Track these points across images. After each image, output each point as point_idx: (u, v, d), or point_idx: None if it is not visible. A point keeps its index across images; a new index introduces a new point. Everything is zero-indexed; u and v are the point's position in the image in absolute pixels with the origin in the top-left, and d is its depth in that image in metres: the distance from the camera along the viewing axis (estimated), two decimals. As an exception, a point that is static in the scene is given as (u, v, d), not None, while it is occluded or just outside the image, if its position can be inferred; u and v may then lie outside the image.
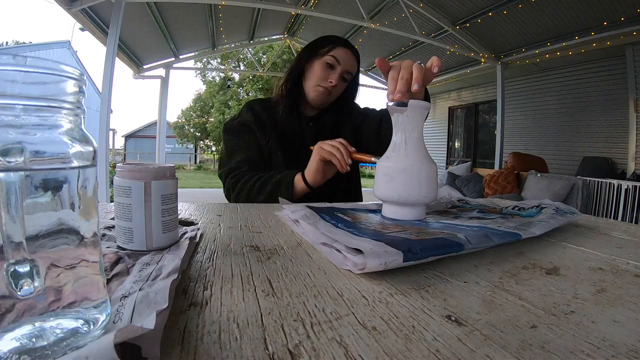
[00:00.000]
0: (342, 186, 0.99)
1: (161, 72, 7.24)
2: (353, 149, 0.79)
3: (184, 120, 17.20)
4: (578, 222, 0.63)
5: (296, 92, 1.00)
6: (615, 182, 3.90)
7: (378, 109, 1.07)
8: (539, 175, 4.41)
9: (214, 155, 19.33)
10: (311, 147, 0.85)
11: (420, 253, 0.34)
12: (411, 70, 0.57)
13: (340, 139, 0.79)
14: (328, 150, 0.77)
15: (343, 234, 0.41)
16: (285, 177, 0.85)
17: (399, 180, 0.54)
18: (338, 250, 0.37)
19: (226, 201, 0.93)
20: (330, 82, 0.94)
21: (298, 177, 0.84)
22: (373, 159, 0.73)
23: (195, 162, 20.13)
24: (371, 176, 13.77)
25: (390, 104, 0.57)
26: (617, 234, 0.55)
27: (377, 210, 0.61)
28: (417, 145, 0.56)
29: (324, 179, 0.82)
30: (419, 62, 0.58)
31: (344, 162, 0.75)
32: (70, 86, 0.20)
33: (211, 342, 0.21)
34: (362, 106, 1.12)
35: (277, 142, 0.97)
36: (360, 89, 1.12)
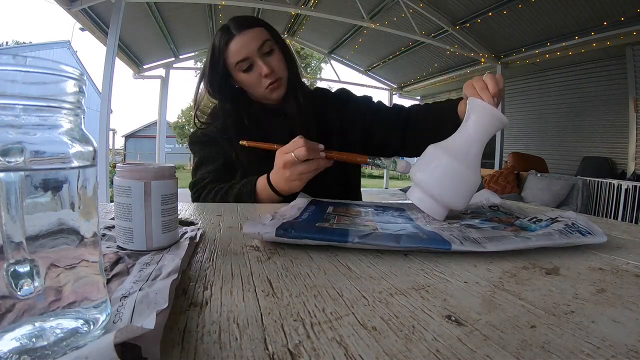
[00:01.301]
0: (335, 185, 0.89)
1: (161, 72, 7.24)
2: (321, 146, 0.67)
3: (184, 120, 17.20)
4: (591, 244, 0.45)
5: (238, 104, 0.89)
6: (615, 182, 3.90)
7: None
8: (539, 175, 4.41)
9: (214, 155, 19.28)
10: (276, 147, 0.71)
11: (292, 233, 0.40)
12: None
13: (300, 143, 0.65)
14: (288, 157, 0.65)
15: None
16: (244, 186, 0.75)
17: (452, 178, 0.52)
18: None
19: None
20: (265, 75, 0.80)
21: (261, 183, 0.73)
22: (359, 159, 0.67)
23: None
24: (372, 176, 13.68)
25: (476, 100, 0.56)
26: (617, 234, 0.55)
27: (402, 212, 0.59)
28: (478, 154, 0.55)
29: (299, 187, 0.70)
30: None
31: (320, 165, 0.66)
32: (70, 86, 0.20)
33: (211, 342, 0.21)
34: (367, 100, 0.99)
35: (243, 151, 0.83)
36: (360, 89, 1.07)
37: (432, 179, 0.52)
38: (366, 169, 15.18)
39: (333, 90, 1.04)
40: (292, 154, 0.66)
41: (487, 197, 0.71)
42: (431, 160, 0.54)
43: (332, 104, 0.96)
